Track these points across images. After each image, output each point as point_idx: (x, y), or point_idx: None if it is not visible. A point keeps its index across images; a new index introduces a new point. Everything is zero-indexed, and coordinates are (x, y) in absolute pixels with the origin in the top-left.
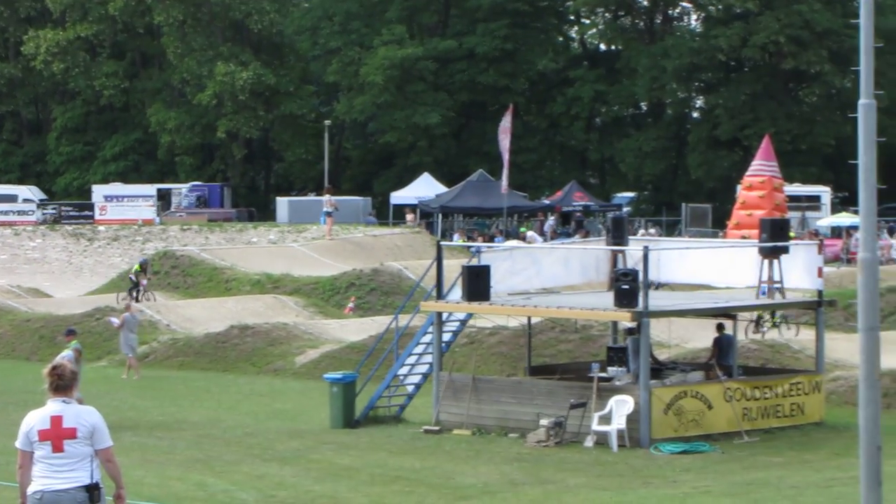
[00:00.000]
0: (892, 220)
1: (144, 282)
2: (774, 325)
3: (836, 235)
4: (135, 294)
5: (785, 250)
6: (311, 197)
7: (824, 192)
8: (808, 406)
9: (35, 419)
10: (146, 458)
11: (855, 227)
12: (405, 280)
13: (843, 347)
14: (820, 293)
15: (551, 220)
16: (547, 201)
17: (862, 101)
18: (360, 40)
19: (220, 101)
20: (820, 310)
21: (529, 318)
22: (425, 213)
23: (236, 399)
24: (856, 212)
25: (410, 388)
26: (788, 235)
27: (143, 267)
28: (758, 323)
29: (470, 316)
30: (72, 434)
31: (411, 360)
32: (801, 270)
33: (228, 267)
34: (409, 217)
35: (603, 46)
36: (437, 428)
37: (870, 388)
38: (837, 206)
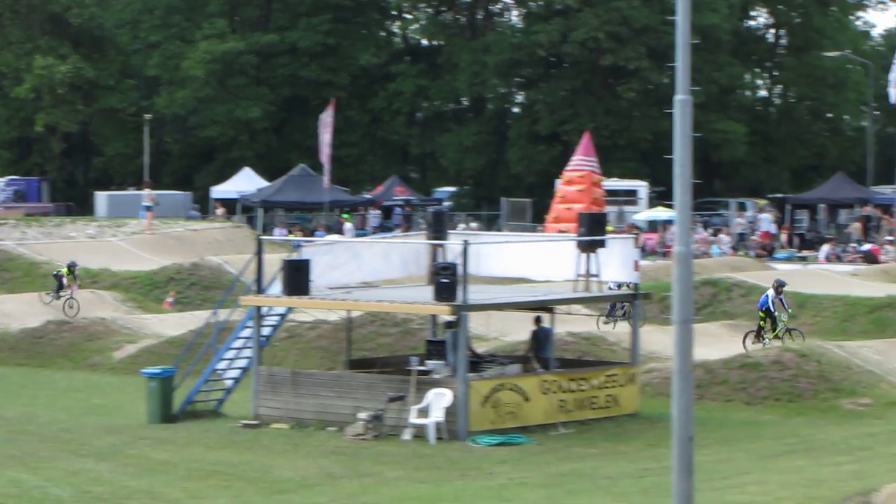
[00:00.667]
0: (707, 214)
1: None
2: (777, 338)
3: (652, 229)
4: (60, 294)
5: (602, 244)
6: (131, 191)
7: (641, 187)
8: (623, 398)
9: None
10: None
11: (671, 222)
12: (225, 274)
13: (658, 339)
14: (636, 286)
15: (374, 215)
16: (368, 196)
17: (678, 97)
18: (182, 34)
19: (39, 94)
20: (636, 302)
21: (349, 312)
22: (246, 208)
23: (52, 395)
24: (672, 206)
25: (229, 383)
26: (606, 229)
27: (71, 269)
28: (758, 334)
29: (290, 310)
30: None
31: (230, 354)
32: (617, 264)
33: (46, 262)
34: (220, 210)
35: (425, 42)
36: (255, 422)
37: (683, 379)
38: (654, 201)
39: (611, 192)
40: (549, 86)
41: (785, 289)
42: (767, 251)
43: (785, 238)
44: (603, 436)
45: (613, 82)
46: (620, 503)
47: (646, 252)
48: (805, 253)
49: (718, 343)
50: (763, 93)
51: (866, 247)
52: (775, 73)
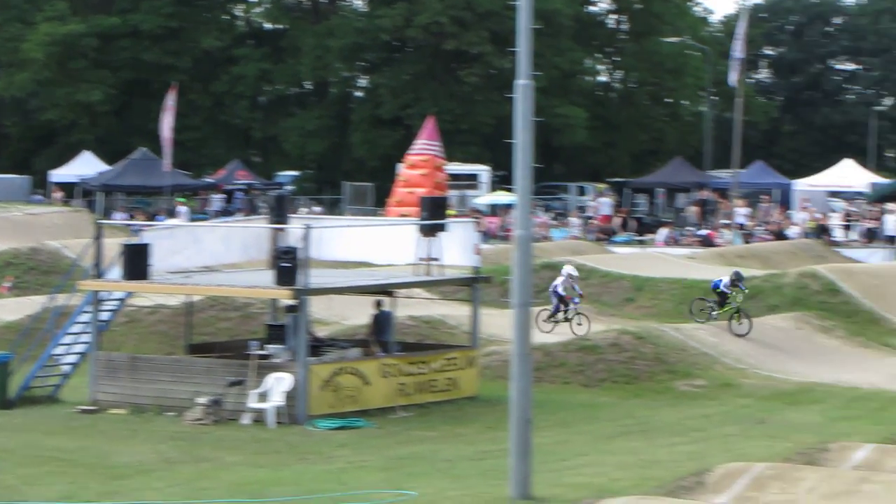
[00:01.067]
0: (547, 198)
1: None
2: (567, 320)
3: (493, 213)
4: None
5: (443, 228)
6: None
7: (483, 171)
8: (463, 381)
9: None
10: None
11: (511, 206)
12: (64, 259)
13: (498, 323)
14: (476, 269)
15: (217, 199)
16: (210, 180)
17: (519, 82)
18: (21, 16)
19: None
20: (475, 286)
21: (189, 297)
22: (86, 192)
23: None
24: (512, 190)
25: (66, 368)
26: (447, 213)
27: None
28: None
29: (129, 294)
30: None
31: (68, 339)
32: (458, 247)
33: None
34: (58, 194)
35: (268, 25)
36: (93, 407)
37: (521, 362)
38: (496, 185)
39: (453, 177)
40: (392, 70)
41: (626, 273)
42: (607, 235)
43: (620, 222)
44: (442, 419)
45: (456, 67)
46: (459, 485)
47: (487, 236)
48: (643, 237)
49: (557, 326)
50: (604, 78)
51: (703, 231)
52: (616, 59)
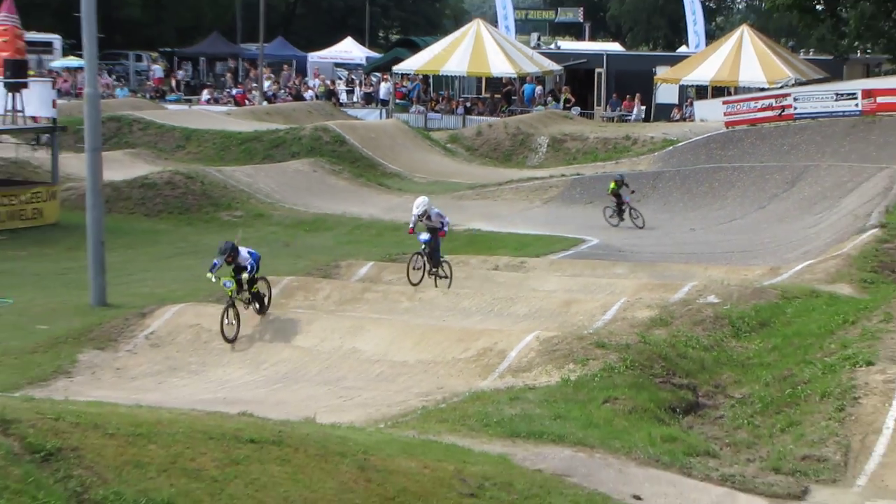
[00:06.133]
0: (110, 63)
1: None
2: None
3: (67, 74)
4: None
5: (25, 85)
6: None
7: (56, 39)
8: (47, 211)
9: None
10: None
11: (82, 68)
12: None
13: (74, 164)
14: (54, 120)
15: None
16: None
17: None
18: None
19: None
20: (55, 134)
21: None
22: None
23: None
24: (82, 56)
25: None
26: (28, 73)
27: None
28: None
29: None
30: None
31: None
32: (38, 102)
33: None
34: None
35: None
36: None
37: (94, 195)
38: (68, 51)
39: (30, 44)
40: None
41: None
42: (160, 94)
43: (174, 84)
44: (31, 242)
45: None
46: (48, 295)
47: (61, 93)
48: (190, 97)
49: (122, 168)
50: None
51: (235, 91)
52: None
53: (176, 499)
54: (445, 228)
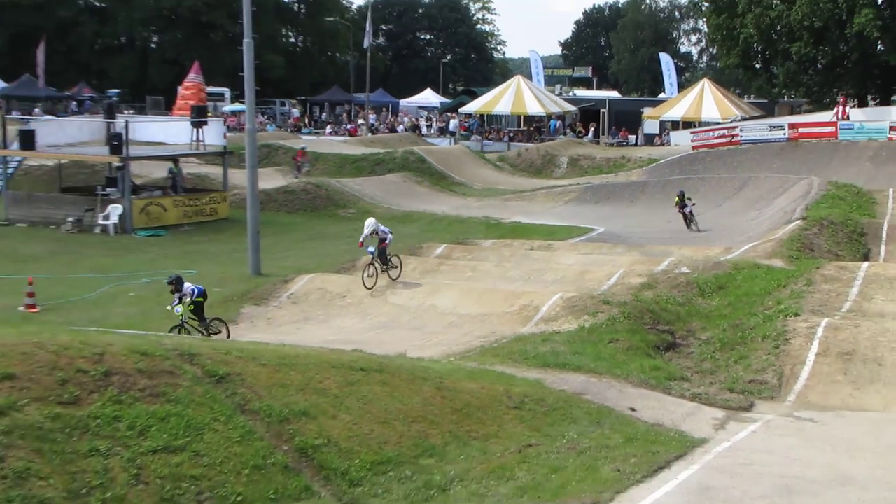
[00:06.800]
0: (263, 108)
1: None
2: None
3: (234, 115)
4: None
5: (206, 123)
6: None
7: (226, 91)
8: (220, 209)
9: None
10: None
11: (244, 111)
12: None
13: (238, 177)
14: (224, 147)
15: (73, 104)
16: (67, 93)
17: (245, 41)
18: None
19: None
20: (225, 157)
21: (59, 160)
22: None
23: None
24: (244, 102)
25: None
26: (207, 114)
27: None
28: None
29: (24, 158)
30: None
31: None
32: (213, 135)
33: None
34: None
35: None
36: (7, 223)
37: (252, 198)
38: (234, 98)
39: (209, 95)
40: (171, 32)
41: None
42: (297, 129)
43: (307, 121)
44: (209, 231)
45: (209, 31)
46: (220, 267)
47: (229, 128)
48: (317, 130)
49: (271, 180)
50: (293, 39)
51: (349, 126)
52: (299, 28)
53: (309, 409)
54: (387, 240)
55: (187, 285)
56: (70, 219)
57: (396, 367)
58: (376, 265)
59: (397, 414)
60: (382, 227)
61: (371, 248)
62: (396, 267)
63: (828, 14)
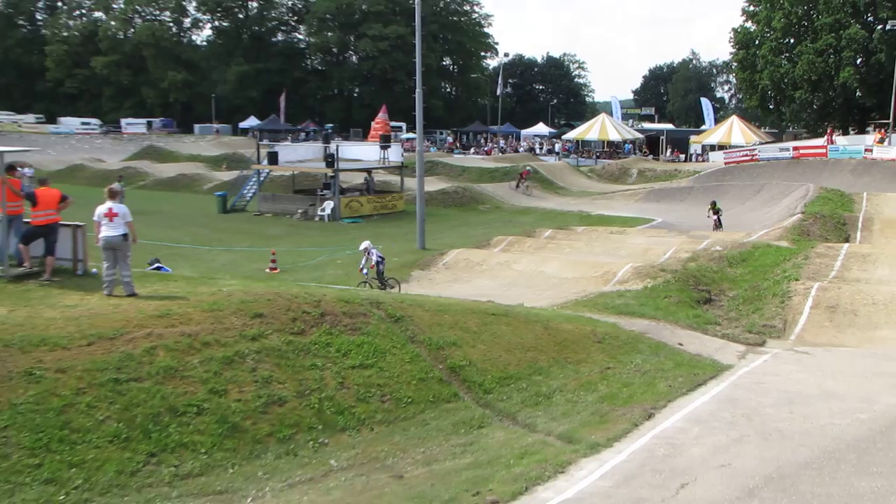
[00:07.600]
0: (427, 135)
1: None
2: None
3: (409, 140)
4: None
5: (389, 146)
6: None
7: (403, 124)
8: (398, 205)
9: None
10: None
11: (414, 137)
12: (247, 159)
13: (411, 183)
14: (402, 163)
15: (301, 138)
16: (300, 126)
17: (418, 90)
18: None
19: None
20: (402, 169)
21: (293, 171)
22: (243, 131)
23: None
24: (414, 131)
25: (248, 196)
26: (391, 140)
27: None
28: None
29: (269, 171)
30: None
31: (250, 187)
32: (395, 154)
33: None
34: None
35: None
36: (258, 213)
37: (420, 197)
38: (407, 129)
39: (392, 126)
40: (366, 85)
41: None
42: (451, 150)
43: (458, 144)
44: (391, 219)
45: (391, 82)
46: (398, 244)
47: (405, 150)
48: (464, 151)
49: (433, 184)
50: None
51: (486, 148)
52: (451, 84)
53: (456, 341)
54: (381, 263)
55: (373, 251)
56: (299, 211)
57: (516, 313)
58: (370, 285)
59: (517, 345)
60: (374, 250)
61: (365, 270)
62: (394, 287)
63: (821, 71)
